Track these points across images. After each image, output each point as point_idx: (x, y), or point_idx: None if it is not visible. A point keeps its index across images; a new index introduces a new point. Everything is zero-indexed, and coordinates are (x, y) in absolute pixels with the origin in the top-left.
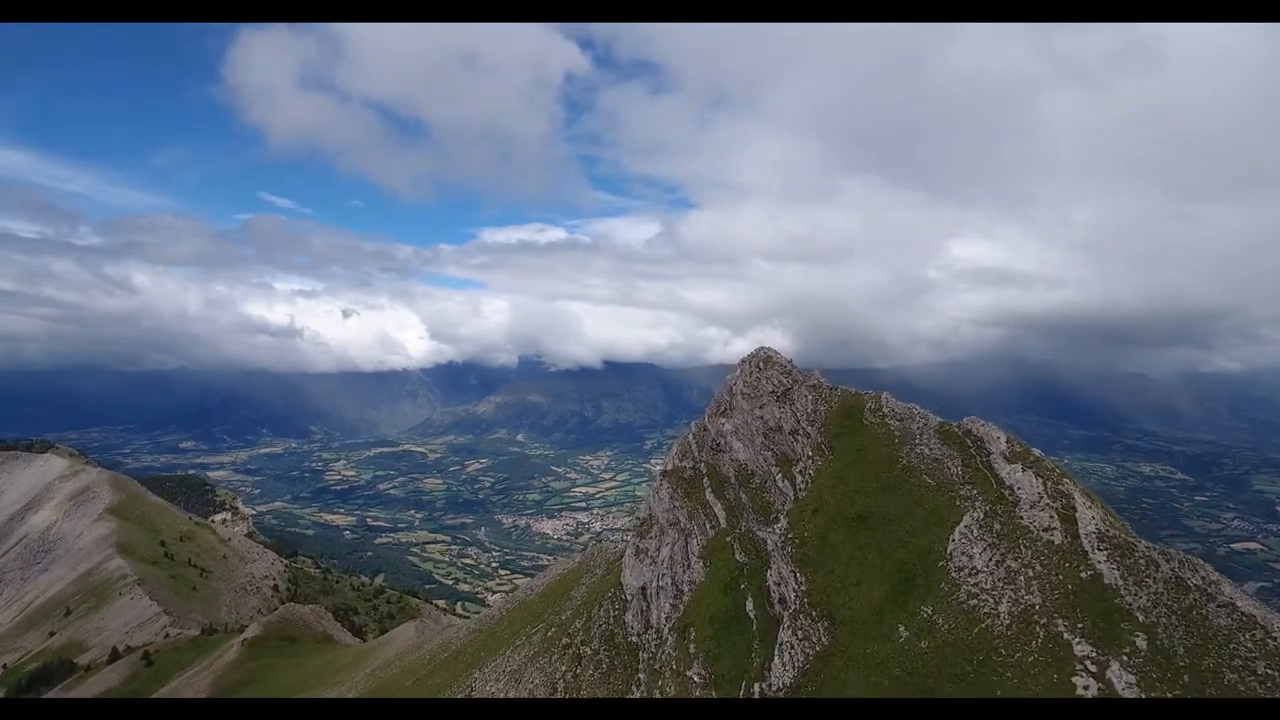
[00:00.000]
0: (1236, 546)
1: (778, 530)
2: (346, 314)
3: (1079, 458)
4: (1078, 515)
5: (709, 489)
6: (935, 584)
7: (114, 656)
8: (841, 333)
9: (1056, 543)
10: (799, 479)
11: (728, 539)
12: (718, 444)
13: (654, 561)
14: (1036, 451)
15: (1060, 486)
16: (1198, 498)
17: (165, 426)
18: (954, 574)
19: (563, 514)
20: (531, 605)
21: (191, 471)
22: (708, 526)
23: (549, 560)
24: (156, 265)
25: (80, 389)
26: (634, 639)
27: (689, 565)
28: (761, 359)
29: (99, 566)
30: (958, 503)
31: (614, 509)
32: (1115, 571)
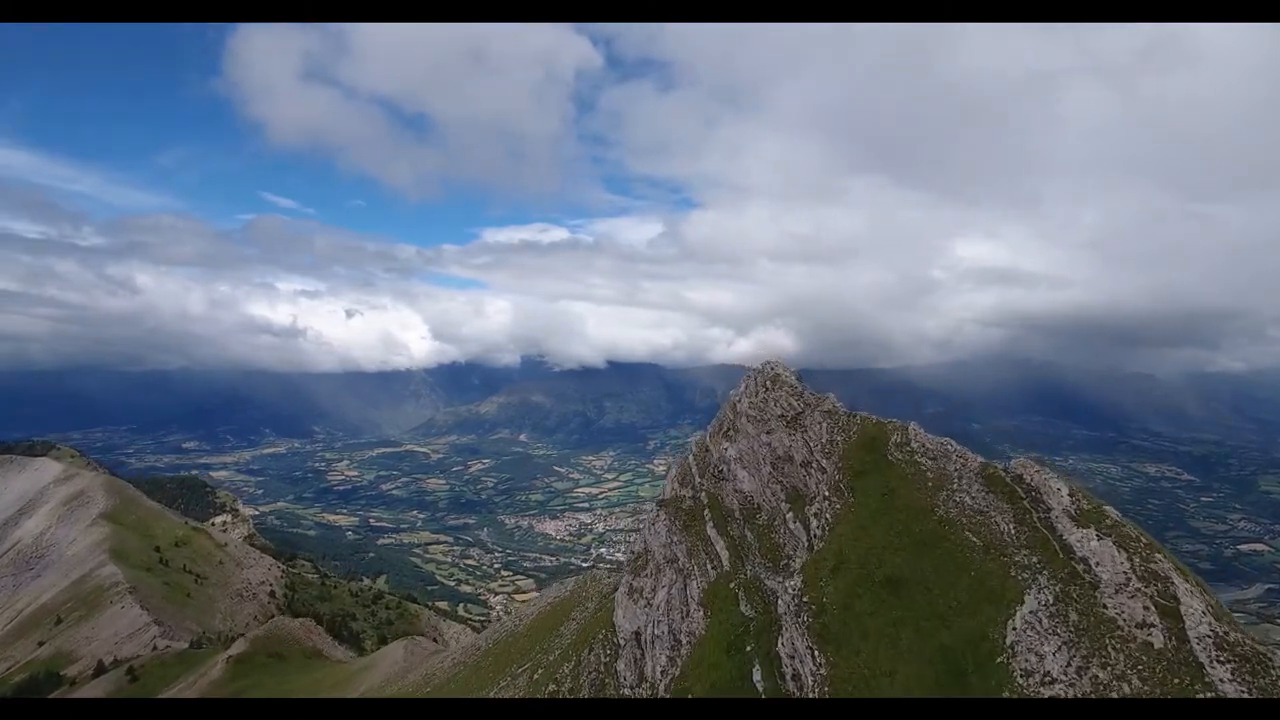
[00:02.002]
0: (1243, 548)
1: (790, 589)
2: (349, 314)
3: (1084, 458)
4: (1182, 608)
5: (710, 523)
6: (994, 688)
7: (99, 670)
8: (845, 333)
9: (1158, 647)
10: (813, 523)
11: (731, 585)
12: (720, 471)
13: (649, 604)
14: (1112, 512)
15: (1152, 565)
16: (1204, 498)
17: (168, 427)
18: (1019, 677)
19: (565, 514)
20: (519, 639)
21: (194, 472)
22: (709, 567)
23: (552, 561)
24: (159, 265)
25: (84, 389)
26: (626, 692)
27: (688, 613)
28: (769, 377)
29: (91, 573)
30: (1013, 573)
31: (617, 509)
32: (1246, 696)
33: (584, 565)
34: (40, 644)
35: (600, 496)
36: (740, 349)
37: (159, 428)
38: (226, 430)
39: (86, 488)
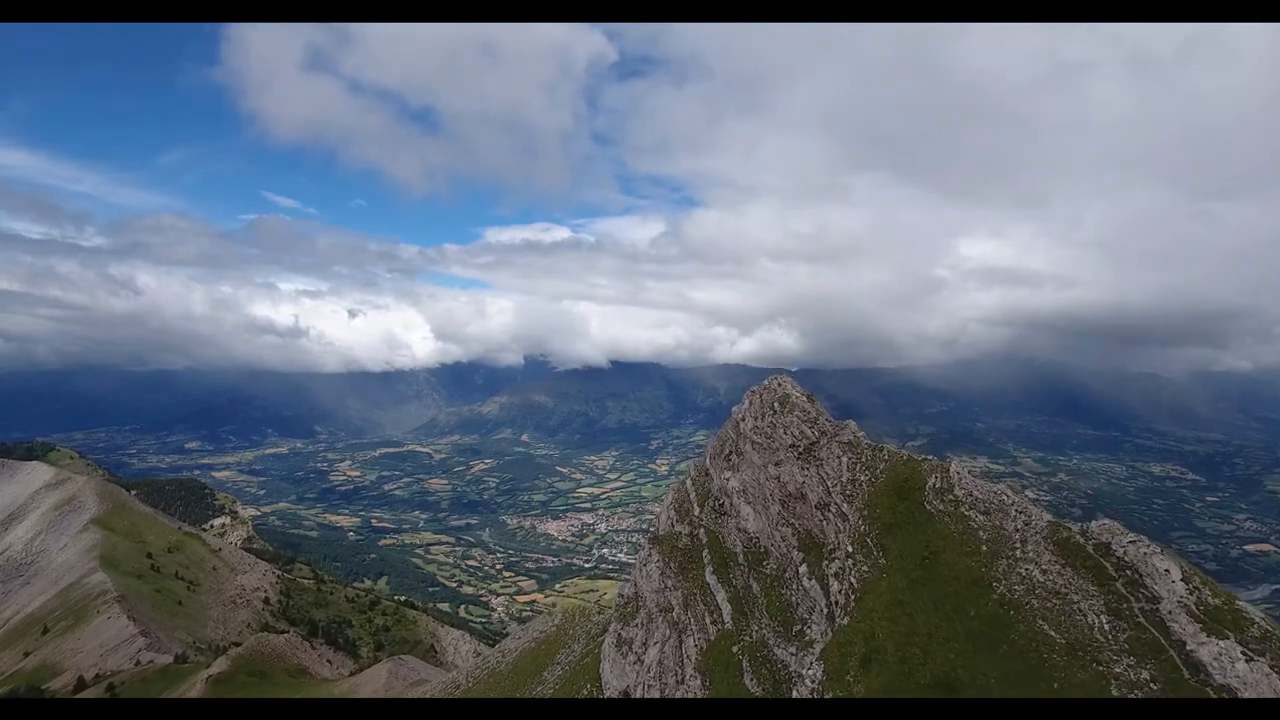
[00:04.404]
0: (1249, 548)
1: (810, 679)
2: (352, 314)
3: (1089, 458)
4: None
5: (710, 567)
6: None
7: (80, 686)
8: (849, 332)
9: None
10: (834, 585)
11: (734, 649)
12: (721, 504)
13: (639, 661)
14: (1252, 612)
15: None
16: (1209, 498)
17: (171, 427)
18: None
19: (568, 515)
20: (500, 680)
21: (196, 472)
22: (708, 622)
23: (554, 562)
24: (162, 266)
25: (88, 389)
26: None
27: (683, 678)
28: (778, 398)
29: (81, 581)
30: (1116, 690)
31: (619, 510)
32: None
33: (586, 565)
34: (26, 654)
35: (603, 497)
36: (744, 348)
37: (162, 428)
38: (229, 430)
39: (78, 492)
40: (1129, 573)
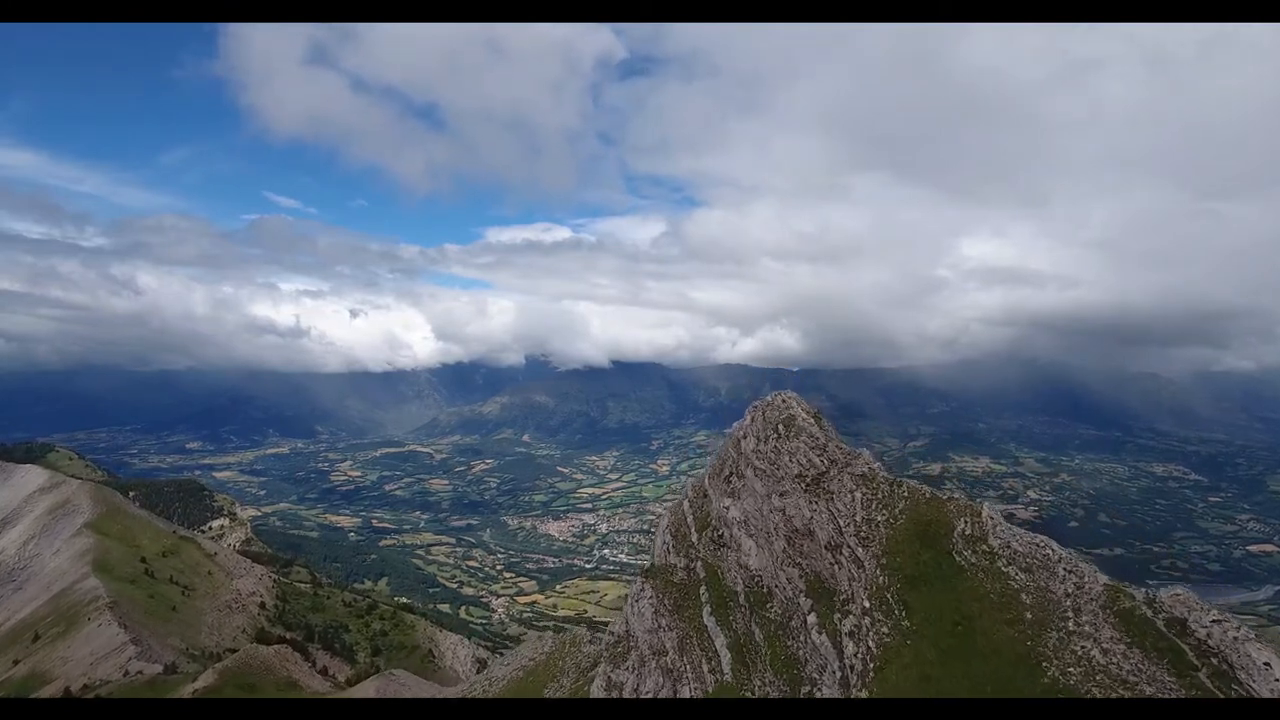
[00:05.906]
0: (1252, 549)
1: None
2: (353, 314)
3: (1091, 458)
4: None
5: (708, 607)
6: None
7: (66, 697)
8: (850, 332)
9: None
10: (849, 646)
11: None
12: (721, 534)
13: None
14: None
15: None
16: (1212, 499)
17: (173, 427)
18: None
19: (569, 515)
20: None
21: (197, 473)
22: (705, 671)
23: (554, 563)
24: (163, 266)
25: (89, 389)
26: None
27: None
28: (782, 419)
29: (73, 586)
30: None
31: (620, 510)
32: None
33: (587, 566)
34: (16, 662)
35: (604, 497)
36: (745, 348)
37: (163, 428)
38: (230, 430)
39: (72, 496)
40: (1214, 661)
